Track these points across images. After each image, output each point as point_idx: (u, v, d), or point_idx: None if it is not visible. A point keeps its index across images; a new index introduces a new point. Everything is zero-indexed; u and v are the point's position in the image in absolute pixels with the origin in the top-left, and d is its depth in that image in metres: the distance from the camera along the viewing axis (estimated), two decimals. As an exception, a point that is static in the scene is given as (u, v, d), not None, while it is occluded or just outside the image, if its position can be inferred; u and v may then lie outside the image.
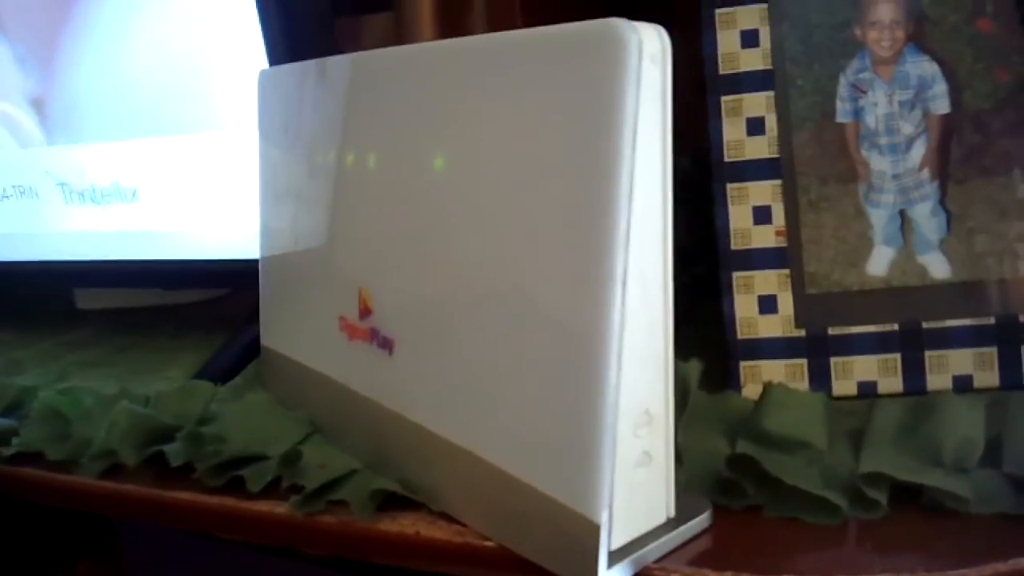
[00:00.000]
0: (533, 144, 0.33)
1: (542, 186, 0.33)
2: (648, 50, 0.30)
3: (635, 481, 0.33)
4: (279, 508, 0.42)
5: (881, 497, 0.35)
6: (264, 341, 0.58)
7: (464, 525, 0.39)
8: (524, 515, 0.35)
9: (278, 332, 0.56)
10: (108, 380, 0.61)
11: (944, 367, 0.45)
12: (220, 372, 0.60)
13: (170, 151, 0.65)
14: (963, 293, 0.45)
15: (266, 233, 0.56)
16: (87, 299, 0.83)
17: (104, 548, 0.81)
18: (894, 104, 0.47)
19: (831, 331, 0.46)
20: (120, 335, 0.74)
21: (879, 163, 0.47)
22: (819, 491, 0.36)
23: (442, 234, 0.38)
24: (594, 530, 0.32)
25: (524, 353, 0.34)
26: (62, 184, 0.69)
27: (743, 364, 0.47)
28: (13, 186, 0.71)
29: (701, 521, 0.36)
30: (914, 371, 0.45)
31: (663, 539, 0.34)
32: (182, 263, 0.69)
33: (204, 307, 0.81)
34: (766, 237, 0.47)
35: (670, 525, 0.35)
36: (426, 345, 0.40)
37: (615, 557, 0.33)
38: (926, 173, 0.46)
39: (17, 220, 0.73)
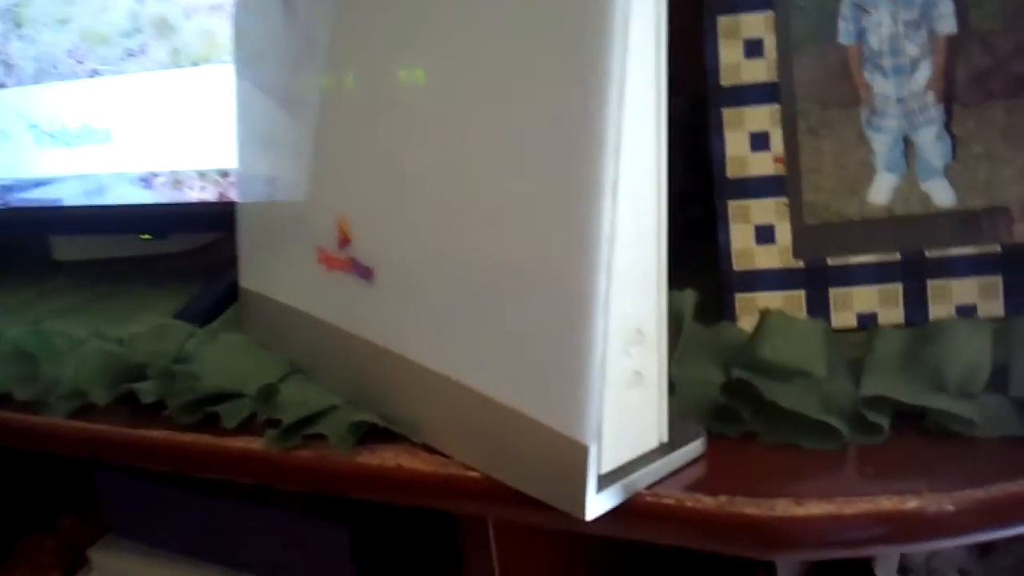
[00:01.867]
0: (518, 54, 0.31)
1: (527, 94, 0.31)
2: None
3: (626, 402, 0.32)
4: (255, 444, 0.40)
5: (883, 421, 0.34)
6: (243, 283, 0.56)
7: (447, 456, 0.37)
8: (509, 442, 0.34)
9: (256, 272, 0.54)
10: (84, 326, 0.59)
11: (947, 297, 0.43)
12: (198, 316, 0.58)
13: (143, 89, 0.62)
14: (968, 221, 0.44)
15: (243, 170, 0.54)
16: (64, 250, 0.80)
17: (85, 503, 0.79)
18: (899, 24, 0.44)
19: (830, 261, 0.45)
20: (98, 285, 0.72)
21: (882, 86, 0.45)
22: (818, 415, 0.34)
23: (423, 154, 0.36)
24: (582, 453, 0.30)
25: (508, 271, 0.32)
26: (33, 126, 0.67)
27: (738, 296, 0.45)
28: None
29: (695, 447, 0.34)
30: (916, 301, 0.44)
31: (655, 464, 0.33)
32: (161, 207, 0.66)
33: (187, 256, 0.79)
34: (764, 164, 0.45)
35: (663, 450, 0.34)
36: (406, 271, 0.38)
37: (604, 482, 0.31)
38: (931, 96, 0.44)
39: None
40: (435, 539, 0.64)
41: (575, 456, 0.30)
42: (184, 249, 0.80)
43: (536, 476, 0.33)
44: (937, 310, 0.43)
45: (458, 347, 0.35)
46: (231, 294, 0.58)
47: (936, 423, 0.34)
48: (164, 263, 0.78)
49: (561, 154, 0.30)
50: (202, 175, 0.64)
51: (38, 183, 0.70)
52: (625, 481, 0.32)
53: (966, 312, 0.43)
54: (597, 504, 0.31)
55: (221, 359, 0.48)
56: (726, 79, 0.46)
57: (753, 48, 0.45)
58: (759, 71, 0.45)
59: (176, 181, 0.65)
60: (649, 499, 0.32)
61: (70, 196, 0.69)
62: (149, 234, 0.75)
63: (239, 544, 0.68)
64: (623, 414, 0.32)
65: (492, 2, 0.33)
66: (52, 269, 0.78)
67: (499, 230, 0.33)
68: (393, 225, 0.39)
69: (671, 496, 0.32)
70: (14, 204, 0.71)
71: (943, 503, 0.30)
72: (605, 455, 0.31)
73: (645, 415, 0.33)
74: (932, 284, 0.44)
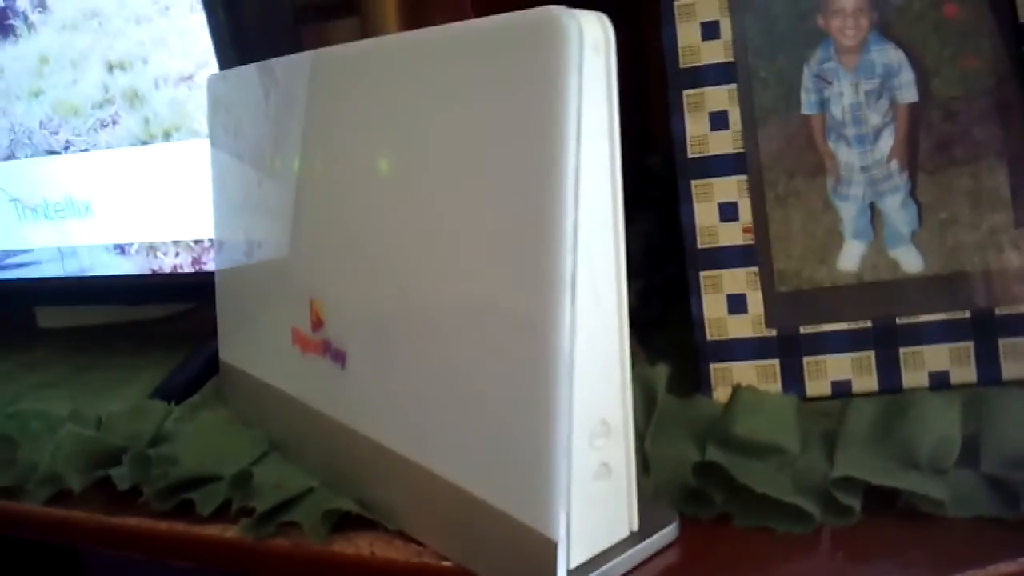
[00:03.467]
0: (477, 142, 0.32)
1: (487, 186, 0.31)
2: (590, 39, 0.28)
3: (594, 494, 0.32)
4: (230, 532, 0.40)
5: (854, 503, 0.34)
6: (222, 356, 0.56)
7: (422, 544, 0.37)
8: (480, 533, 0.33)
9: (235, 346, 0.54)
10: (64, 401, 0.59)
11: (920, 364, 0.44)
12: (178, 389, 0.58)
13: (122, 163, 0.63)
14: (937, 287, 0.44)
15: (220, 245, 0.54)
16: (48, 318, 0.80)
17: None
18: (860, 94, 0.45)
19: (803, 330, 0.45)
20: (80, 354, 0.72)
21: (847, 155, 0.45)
22: (790, 498, 0.34)
23: (389, 240, 0.37)
24: (551, 547, 0.30)
25: (475, 363, 0.33)
26: (15, 200, 0.67)
27: (713, 366, 0.45)
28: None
29: (667, 533, 0.34)
30: (889, 369, 0.44)
31: (626, 554, 0.33)
32: (141, 278, 0.67)
33: (168, 323, 0.79)
34: (733, 234, 0.46)
35: (634, 539, 0.33)
36: (377, 357, 0.38)
37: (574, 575, 0.31)
38: (895, 164, 0.45)
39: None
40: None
41: (544, 550, 0.30)
42: (166, 315, 0.80)
43: (507, 568, 0.33)
44: (910, 377, 0.44)
45: (429, 436, 0.35)
46: (212, 365, 0.58)
47: (907, 503, 0.34)
48: (147, 329, 0.78)
49: (518, 249, 0.30)
50: (176, 243, 0.64)
51: (18, 254, 0.70)
52: (595, 574, 0.32)
53: (939, 378, 0.43)
54: (568, 598, 0.31)
55: (199, 440, 0.48)
56: (693, 151, 0.46)
57: (719, 120, 0.46)
58: (725, 143, 0.46)
59: (151, 248, 0.65)
60: (621, 590, 0.32)
61: (50, 267, 0.69)
62: (132, 304, 0.75)
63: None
64: (592, 506, 0.32)
65: (450, 92, 0.33)
66: (35, 337, 0.78)
67: (462, 322, 0.33)
68: (362, 310, 0.39)
69: (642, 586, 0.32)
70: (-3, 276, 0.71)
71: (913, 590, 0.30)
72: (575, 548, 0.31)
73: (615, 505, 0.33)
74: (904, 351, 0.44)
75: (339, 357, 0.41)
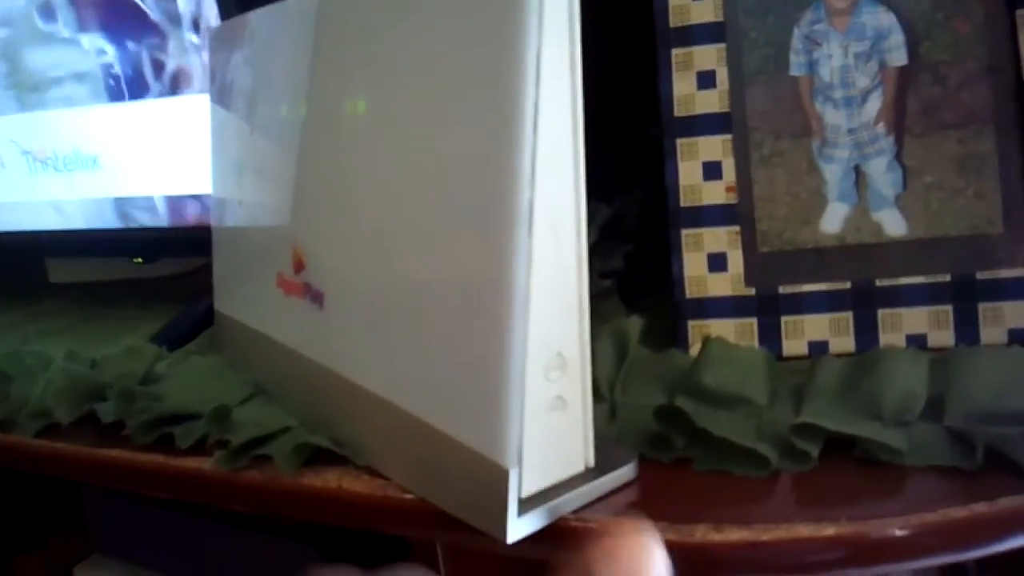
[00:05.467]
0: (443, 79, 0.32)
1: (452, 122, 0.32)
2: (551, -30, 0.28)
3: (548, 426, 0.32)
4: (206, 464, 0.41)
5: (812, 449, 0.34)
6: (216, 306, 0.57)
7: (388, 479, 0.38)
8: (441, 466, 0.34)
9: (228, 296, 0.55)
10: (64, 347, 0.60)
11: (898, 326, 0.43)
12: (174, 338, 0.59)
13: (130, 117, 0.64)
14: (919, 250, 0.44)
15: (217, 198, 0.55)
16: (59, 272, 0.82)
17: (75, 523, 0.80)
18: (849, 56, 0.45)
19: (782, 290, 0.45)
20: (86, 306, 0.73)
21: (833, 117, 0.45)
22: (748, 442, 0.34)
23: (363, 180, 0.37)
24: (503, 475, 0.31)
25: (436, 295, 0.33)
26: (27, 153, 0.69)
27: (691, 324, 0.46)
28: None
29: (624, 472, 0.35)
30: (867, 330, 0.44)
31: (581, 489, 0.33)
32: (149, 231, 0.68)
33: (176, 280, 0.80)
34: (716, 193, 0.46)
35: (589, 475, 0.34)
36: (351, 296, 0.39)
37: (527, 505, 0.32)
38: (882, 127, 0.45)
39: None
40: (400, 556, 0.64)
41: (497, 479, 0.31)
42: (176, 272, 0.81)
43: (464, 499, 0.33)
44: (888, 339, 0.43)
45: (396, 370, 0.36)
46: (208, 316, 0.60)
47: (866, 451, 0.34)
48: (155, 286, 0.79)
49: (478, 182, 0.30)
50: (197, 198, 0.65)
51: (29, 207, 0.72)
52: (548, 505, 0.32)
53: (917, 341, 0.43)
54: (519, 527, 0.31)
55: (186, 381, 0.49)
56: (680, 110, 0.46)
57: (706, 79, 0.46)
58: (712, 102, 0.46)
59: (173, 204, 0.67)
60: (573, 523, 0.33)
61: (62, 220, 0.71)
62: (140, 258, 0.76)
63: (218, 564, 0.69)
64: (546, 438, 0.32)
65: (420, 35, 0.34)
66: (46, 291, 0.80)
67: (428, 255, 0.33)
68: (339, 251, 0.40)
69: (594, 520, 0.32)
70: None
71: (860, 530, 0.30)
72: (527, 478, 0.32)
73: (570, 439, 0.33)
74: (883, 313, 0.44)
75: (318, 297, 0.42)
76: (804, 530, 0.30)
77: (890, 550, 0.30)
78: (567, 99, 0.30)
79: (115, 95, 0.64)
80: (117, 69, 0.62)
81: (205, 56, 0.59)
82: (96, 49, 0.62)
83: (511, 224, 0.29)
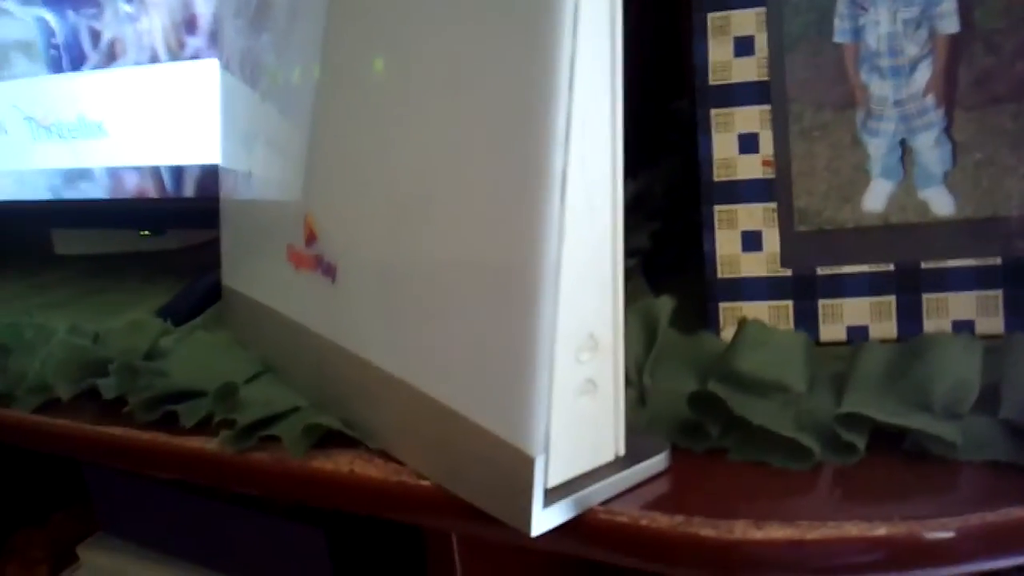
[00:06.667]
0: (467, 30, 0.30)
1: (477, 79, 0.29)
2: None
3: (578, 411, 0.30)
4: (210, 444, 0.39)
5: (858, 441, 0.32)
6: (224, 280, 0.55)
7: (402, 464, 0.35)
8: (460, 451, 0.32)
9: (236, 270, 0.53)
10: (66, 319, 0.58)
11: (943, 311, 0.41)
12: (180, 312, 0.57)
13: (137, 82, 0.62)
14: (968, 231, 0.41)
15: (226, 167, 0.53)
16: (64, 244, 0.80)
17: (79, 500, 0.79)
18: (898, 23, 0.42)
19: (820, 271, 0.42)
20: (92, 279, 0.71)
21: (879, 88, 0.42)
22: (789, 432, 0.32)
23: (381, 145, 0.35)
24: (528, 464, 0.28)
25: (460, 270, 0.31)
26: (29, 118, 0.67)
27: (723, 305, 0.43)
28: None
29: (656, 462, 0.32)
30: (910, 315, 0.41)
31: (610, 479, 0.31)
32: (155, 202, 0.66)
33: (185, 253, 0.78)
34: (752, 167, 0.43)
35: (619, 464, 0.32)
36: (365, 268, 0.37)
37: (553, 495, 0.30)
38: (931, 99, 0.42)
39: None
40: (412, 544, 0.62)
41: (521, 467, 0.29)
42: (183, 246, 0.79)
43: (485, 487, 0.31)
44: (932, 325, 0.41)
45: (413, 350, 0.34)
46: (215, 291, 0.58)
47: (917, 444, 0.32)
48: (161, 259, 0.77)
49: (508, 145, 0.28)
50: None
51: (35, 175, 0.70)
52: (576, 496, 0.30)
53: (963, 328, 0.41)
54: (544, 519, 0.29)
55: (191, 357, 0.47)
56: (715, 78, 0.44)
57: (744, 46, 0.43)
58: (749, 70, 0.43)
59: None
60: (602, 516, 0.30)
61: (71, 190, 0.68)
62: (146, 229, 0.74)
63: (223, 545, 0.67)
64: (575, 424, 0.30)
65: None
66: (51, 263, 0.78)
67: (451, 226, 0.31)
68: (353, 221, 0.37)
69: (625, 513, 0.30)
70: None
71: (915, 531, 0.28)
72: (553, 467, 0.29)
73: (600, 426, 0.31)
74: (927, 297, 0.41)
75: (330, 271, 0.39)
76: (853, 529, 0.28)
77: (947, 552, 0.28)
78: (606, 54, 0.28)
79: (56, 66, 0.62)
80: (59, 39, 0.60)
81: (139, 25, 0.57)
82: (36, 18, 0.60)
83: (542, 190, 0.27)
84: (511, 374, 0.29)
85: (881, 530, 0.28)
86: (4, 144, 0.69)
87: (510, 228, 0.28)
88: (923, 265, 0.41)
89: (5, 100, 0.68)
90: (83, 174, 0.67)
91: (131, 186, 0.66)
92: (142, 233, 0.76)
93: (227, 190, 0.53)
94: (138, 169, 0.65)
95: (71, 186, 0.68)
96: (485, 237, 0.29)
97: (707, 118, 0.44)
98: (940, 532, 0.28)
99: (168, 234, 0.77)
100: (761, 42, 0.43)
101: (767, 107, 0.43)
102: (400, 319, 0.34)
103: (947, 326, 0.41)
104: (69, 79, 0.64)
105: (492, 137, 0.29)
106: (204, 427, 0.41)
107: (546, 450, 0.29)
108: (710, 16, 0.44)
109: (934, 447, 0.31)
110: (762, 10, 0.43)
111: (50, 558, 0.79)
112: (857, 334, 0.42)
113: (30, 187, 0.70)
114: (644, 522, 0.30)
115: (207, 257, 0.76)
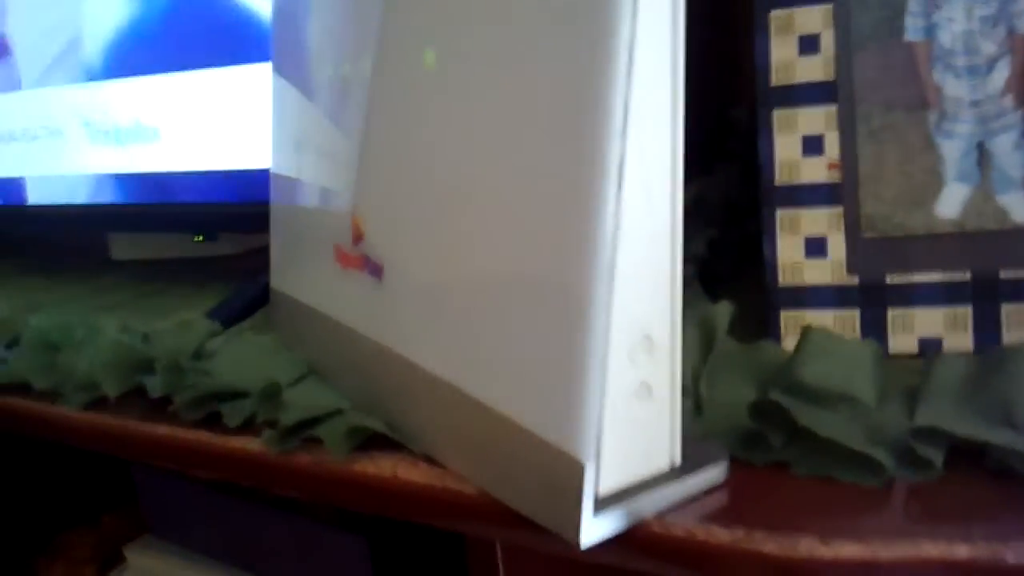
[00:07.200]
0: (523, 15, 0.28)
1: (532, 65, 0.28)
2: None
3: (632, 416, 0.28)
4: (253, 445, 0.38)
5: (936, 456, 0.29)
6: (272, 283, 0.55)
7: (447, 469, 0.34)
8: (506, 456, 0.30)
9: (284, 273, 0.53)
10: (117, 321, 0.58)
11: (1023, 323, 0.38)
12: (230, 315, 0.56)
13: (192, 87, 0.62)
14: (1051, 239, 0.39)
15: (276, 171, 0.53)
16: (120, 249, 0.81)
17: (128, 500, 0.79)
18: (974, 20, 0.40)
19: (889, 279, 0.40)
20: (146, 283, 0.72)
21: (954, 88, 0.40)
22: (859, 446, 0.30)
23: (429, 140, 0.34)
24: (578, 471, 0.27)
25: (510, 267, 0.30)
26: (87, 123, 0.68)
27: (784, 314, 0.41)
28: (42, 127, 0.70)
29: (714, 473, 0.31)
30: (988, 327, 0.39)
31: (665, 489, 0.29)
32: (210, 206, 0.66)
33: (239, 258, 0.78)
34: (817, 171, 0.41)
35: (675, 474, 0.30)
36: (411, 267, 0.36)
37: (604, 505, 0.28)
38: (1009, 100, 0.40)
39: (47, 162, 0.72)
40: (454, 553, 0.61)
41: (571, 474, 0.27)
42: (237, 251, 0.80)
43: (532, 495, 0.30)
44: (1012, 337, 0.38)
45: (459, 350, 0.33)
46: (265, 295, 0.57)
47: (999, 462, 0.29)
48: (216, 264, 0.78)
49: (562, 135, 0.27)
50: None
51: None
52: (629, 506, 0.28)
53: (1046, 341, 0.38)
54: (594, 529, 0.28)
55: (238, 358, 0.46)
56: (778, 78, 0.42)
57: (809, 44, 0.42)
58: (815, 69, 0.41)
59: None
60: (656, 528, 0.29)
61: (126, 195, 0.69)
62: (200, 234, 0.75)
63: (266, 551, 0.67)
64: (628, 429, 0.28)
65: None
66: (106, 267, 0.79)
67: (502, 224, 0.30)
68: (400, 220, 0.36)
69: (681, 526, 0.28)
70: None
71: (999, 553, 0.25)
72: (605, 474, 0.28)
73: (655, 432, 0.29)
74: (1007, 308, 0.39)
75: (376, 271, 0.38)
76: (932, 549, 0.26)
77: (1036, 578, 0.25)
78: (667, 40, 0.26)
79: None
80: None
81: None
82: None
83: (597, 180, 0.25)
84: (561, 375, 0.27)
85: (962, 551, 0.26)
86: (62, 148, 0.70)
87: (563, 223, 0.27)
88: (1002, 274, 0.39)
89: (64, 105, 0.69)
90: (138, 179, 0.68)
91: (184, 190, 0.66)
92: (196, 239, 0.77)
93: (277, 193, 0.53)
94: (191, 174, 0.65)
95: (126, 190, 0.69)
96: (536, 232, 0.28)
97: (769, 119, 0.42)
98: (1028, 556, 0.25)
99: (222, 239, 0.78)
100: (827, 40, 0.41)
101: (833, 108, 0.41)
102: (447, 318, 0.33)
103: (1028, 339, 0.38)
104: (127, 83, 0.65)
105: (546, 128, 0.28)
106: (248, 428, 0.40)
107: (597, 456, 0.27)
108: (772, 14, 0.42)
109: (1018, 465, 0.29)
110: (829, 7, 0.41)
111: (98, 558, 0.79)
112: (930, 346, 0.39)
113: (86, 191, 0.71)
114: (701, 536, 0.28)
115: (260, 262, 0.76)
